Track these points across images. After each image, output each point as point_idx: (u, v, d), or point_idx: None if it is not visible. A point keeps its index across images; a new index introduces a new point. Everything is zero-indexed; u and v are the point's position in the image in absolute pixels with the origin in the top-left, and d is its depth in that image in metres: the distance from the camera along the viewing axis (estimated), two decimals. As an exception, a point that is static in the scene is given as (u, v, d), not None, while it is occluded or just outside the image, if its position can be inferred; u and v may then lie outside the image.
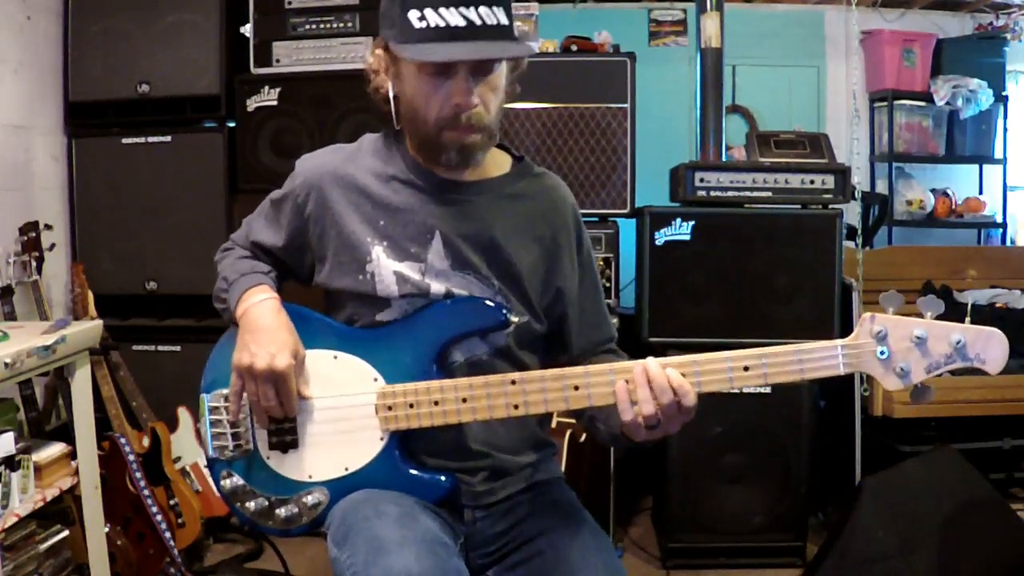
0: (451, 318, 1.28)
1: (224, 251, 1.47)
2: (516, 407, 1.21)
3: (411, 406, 1.25)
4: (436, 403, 1.24)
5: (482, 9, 1.17)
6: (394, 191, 1.32)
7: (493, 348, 1.33)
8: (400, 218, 1.31)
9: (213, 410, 1.33)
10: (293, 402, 1.28)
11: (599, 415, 1.31)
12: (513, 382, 1.21)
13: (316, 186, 1.33)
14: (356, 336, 1.32)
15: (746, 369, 1.14)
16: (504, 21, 1.20)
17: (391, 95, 1.30)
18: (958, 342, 1.08)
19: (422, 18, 1.17)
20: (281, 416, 1.29)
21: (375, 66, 1.31)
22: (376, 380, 1.28)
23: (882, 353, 1.11)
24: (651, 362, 1.15)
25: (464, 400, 1.23)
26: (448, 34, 1.17)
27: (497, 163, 1.39)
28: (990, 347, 1.07)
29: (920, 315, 1.10)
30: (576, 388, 1.20)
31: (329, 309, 1.38)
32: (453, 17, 1.17)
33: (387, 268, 1.30)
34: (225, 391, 1.33)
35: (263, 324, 1.28)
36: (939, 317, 1.11)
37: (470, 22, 1.17)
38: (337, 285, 1.33)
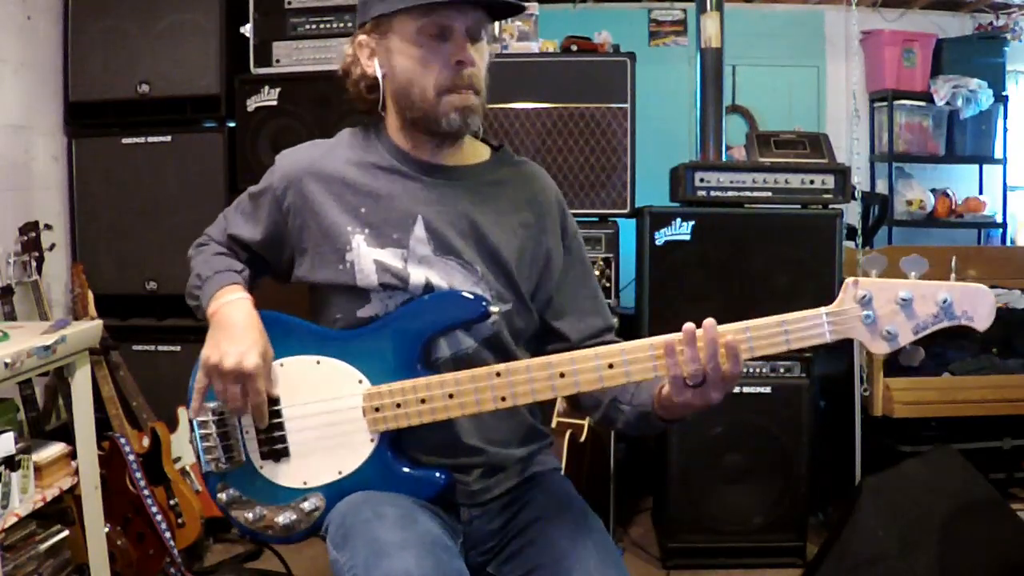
0: (431, 313, 1.27)
1: (198, 246, 1.46)
2: (503, 399, 1.20)
3: (398, 406, 1.24)
4: (423, 401, 1.23)
5: None
6: (375, 178, 1.32)
7: (479, 339, 1.31)
8: (382, 204, 1.30)
9: (202, 424, 1.32)
10: (263, 405, 1.26)
11: (622, 395, 1.29)
12: (498, 374, 1.20)
13: (295, 179, 1.33)
14: (337, 339, 1.30)
15: None
16: None
17: (379, 75, 1.31)
18: (944, 301, 1.06)
19: None
20: (256, 421, 1.28)
21: (356, 53, 1.33)
22: (361, 382, 1.27)
23: (867, 317, 1.08)
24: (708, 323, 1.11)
25: (451, 396, 1.22)
26: None
27: (477, 152, 1.39)
28: (977, 303, 1.05)
29: (905, 277, 1.08)
30: (562, 375, 1.18)
31: (314, 306, 1.37)
32: None
33: (367, 257, 1.28)
34: (211, 404, 1.31)
35: (234, 321, 1.28)
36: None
37: None
38: (318, 278, 1.32)
